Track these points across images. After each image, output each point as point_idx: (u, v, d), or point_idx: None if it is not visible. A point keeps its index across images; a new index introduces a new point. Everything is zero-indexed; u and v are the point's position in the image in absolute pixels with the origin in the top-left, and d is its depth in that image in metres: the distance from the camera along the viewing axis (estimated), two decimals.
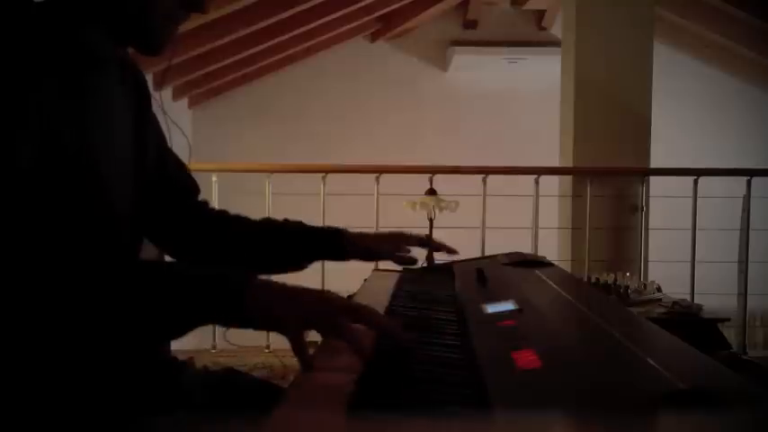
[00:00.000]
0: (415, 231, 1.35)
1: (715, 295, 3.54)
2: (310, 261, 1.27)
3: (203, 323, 0.83)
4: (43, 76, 0.84)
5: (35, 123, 0.82)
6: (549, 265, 1.44)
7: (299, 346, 0.82)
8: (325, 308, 0.84)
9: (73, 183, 0.87)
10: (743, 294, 3.87)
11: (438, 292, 1.26)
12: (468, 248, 3.37)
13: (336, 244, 1.25)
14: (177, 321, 0.83)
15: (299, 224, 1.26)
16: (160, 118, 1.16)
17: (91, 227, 0.91)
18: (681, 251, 3.93)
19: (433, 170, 3.84)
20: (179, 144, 1.26)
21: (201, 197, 1.25)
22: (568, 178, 4.03)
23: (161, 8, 0.94)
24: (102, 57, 0.95)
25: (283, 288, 0.85)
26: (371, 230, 3.89)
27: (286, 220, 1.27)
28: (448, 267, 1.50)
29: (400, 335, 0.86)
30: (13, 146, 0.80)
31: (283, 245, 1.24)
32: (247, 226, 1.25)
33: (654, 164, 4.08)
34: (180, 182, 1.20)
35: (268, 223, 1.26)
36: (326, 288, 0.92)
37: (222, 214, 1.25)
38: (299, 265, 1.26)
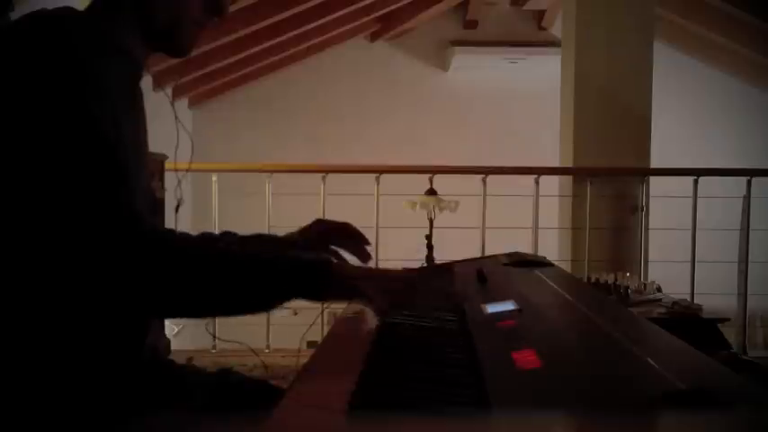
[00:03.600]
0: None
1: (715, 295, 3.54)
2: None
3: (295, 299, 0.93)
4: (96, 67, 0.90)
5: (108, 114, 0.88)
6: (549, 265, 1.44)
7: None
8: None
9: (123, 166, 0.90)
10: (743, 294, 3.87)
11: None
12: (468, 248, 3.38)
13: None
14: (272, 299, 0.92)
15: (259, 237, 1.27)
16: (166, 119, 1.20)
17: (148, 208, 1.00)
18: (681, 251, 3.93)
19: (433, 170, 3.83)
20: (183, 144, 1.26)
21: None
22: (568, 178, 4.03)
23: (190, 16, 1.01)
24: (140, 64, 1.04)
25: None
26: (373, 229, 3.90)
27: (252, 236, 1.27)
28: (448, 267, 1.50)
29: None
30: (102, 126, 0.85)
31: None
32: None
33: (654, 164, 4.08)
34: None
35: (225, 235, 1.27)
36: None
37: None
38: None
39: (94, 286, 0.82)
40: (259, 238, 1.25)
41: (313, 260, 0.94)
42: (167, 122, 1.20)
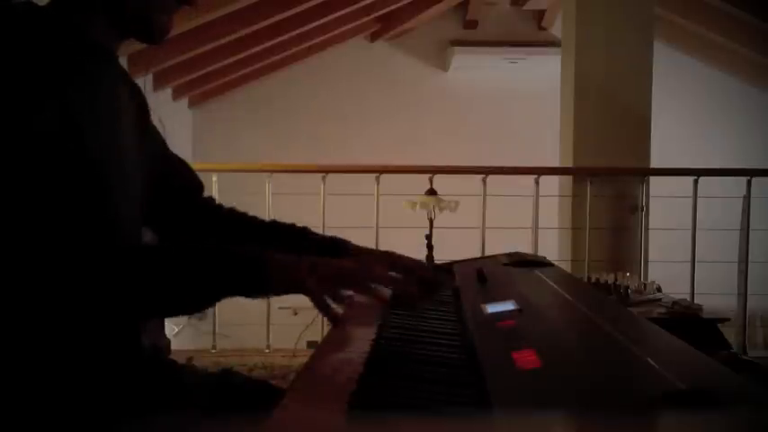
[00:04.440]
0: (408, 255, 1.31)
1: (715, 295, 3.54)
2: None
3: (231, 295, 0.92)
4: (58, 67, 0.88)
5: (54, 109, 0.85)
6: (549, 265, 1.44)
7: (322, 304, 0.93)
8: (341, 269, 0.98)
9: (87, 166, 0.89)
10: (743, 294, 3.87)
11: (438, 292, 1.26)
12: (468, 248, 3.38)
13: (335, 253, 1.24)
14: (207, 295, 0.91)
15: (304, 230, 1.27)
16: (167, 119, 1.20)
17: (107, 208, 0.94)
18: (681, 251, 3.93)
19: (433, 170, 3.84)
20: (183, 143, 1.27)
21: (207, 194, 1.27)
22: (568, 178, 4.03)
23: (159, 5, 1.00)
24: (109, 50, 1.01)
25: (299, 257, 0.96)
26: (373, 229, 3.90)
27: (292, 225, 1.28)
28: (448, 267, 1.50)
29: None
30: (33, 131, 0.83)
31: (284, 248, 1.24)
32: (252, 224, 1.26)
33: (654, 164, 4.08)
34: (183, 179, 1.22)
35: (273, 224, 1.28)
36: None
37: (229, 212, 1.27)
38: None
39: (65, 285, 0.83)
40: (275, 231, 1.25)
41: (248, 255, 0.92)
42: (168, 122, 1.21)
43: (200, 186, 1.25)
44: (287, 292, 0.93)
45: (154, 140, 1.15)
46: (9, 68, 0.84)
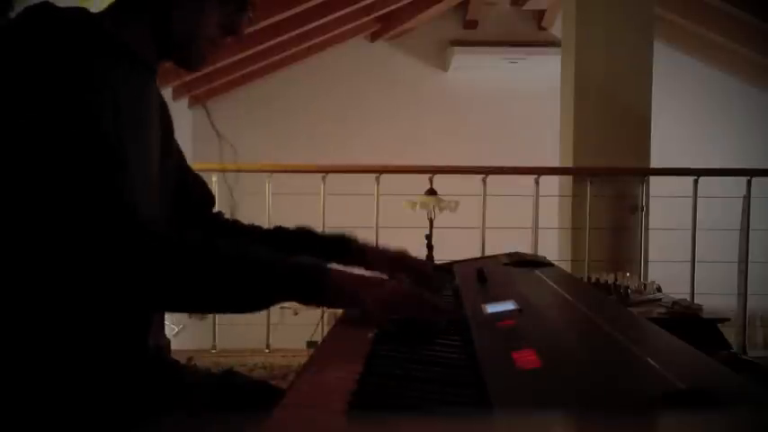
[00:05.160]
0: (419, 256, 1.34)
1: (715, 295, 3.54)
2: None
3: (290, 301, 0.95)
4: (101, 71, 0.91)
5: (93, 111, 0.87)
6: (549, 265, 1.44)
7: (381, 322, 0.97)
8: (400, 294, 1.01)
9: (117, 166, 0.90)
10: (743, 294, 3.87)
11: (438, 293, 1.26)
12: (468, 248, 3.38)
13: (342, 249, 1.28)
14: (265, 300, 0.93)
15: (308, 232, 1.31)
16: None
17: (146, 204, 0.97)
18: (681, 251, 3.93)
19: (433, 170, 3.83)
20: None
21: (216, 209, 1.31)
22: (568, 178, 4.03)
23: (204, 33, 1.03)
24: (150, 65, 1.04)
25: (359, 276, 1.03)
26: (373, 229, 3.90)
27: (297, 228, 1.31)
28: (448, 267, 1.50)
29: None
30: (73, 127, 0.85)
31: (292, 250, 1.26)
32: (258, 234, 1.30)
33: (654, 164, 4.08)
34: (197, 191, 1.27)
35: (278, 231, 1.31)
36: None
37: (235, 224, 1.31)
38: None
39: (87, 277, 0.84)
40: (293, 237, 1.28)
41: (310, 265, 0.95)
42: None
43: (212, 200, 1.29)
44: (344, 305, 1.00)
45: (175, 152, 1.19)
46: (59, 70, 0.86)
